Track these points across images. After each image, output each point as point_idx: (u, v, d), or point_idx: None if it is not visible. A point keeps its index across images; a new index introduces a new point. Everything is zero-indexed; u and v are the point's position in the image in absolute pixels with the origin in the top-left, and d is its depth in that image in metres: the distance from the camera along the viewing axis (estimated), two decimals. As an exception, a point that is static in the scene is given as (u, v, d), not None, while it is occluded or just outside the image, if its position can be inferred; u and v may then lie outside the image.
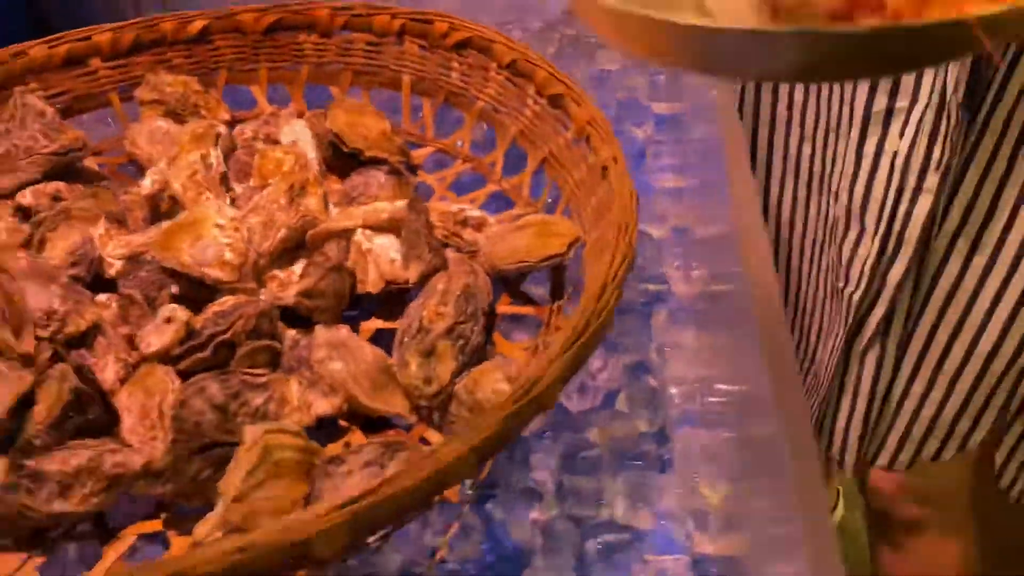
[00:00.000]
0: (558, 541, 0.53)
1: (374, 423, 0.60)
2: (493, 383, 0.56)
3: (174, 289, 0.63)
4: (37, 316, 0.58)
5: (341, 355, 0.59)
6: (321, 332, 0.60)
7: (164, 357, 0.59)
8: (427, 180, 0.82)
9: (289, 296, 0.62)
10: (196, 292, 0.64)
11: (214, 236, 0.64)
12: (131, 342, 0.61)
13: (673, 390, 0.61)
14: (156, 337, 0.59)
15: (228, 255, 0.63)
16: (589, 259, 0.61)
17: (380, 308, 0.69)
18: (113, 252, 0.67)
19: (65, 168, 0.78)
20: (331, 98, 0.92)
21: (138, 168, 0.82)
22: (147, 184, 0.74)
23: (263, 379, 0.56)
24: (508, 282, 0.69)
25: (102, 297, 0.64)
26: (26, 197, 0.75)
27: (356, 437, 0.60)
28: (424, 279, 0.65)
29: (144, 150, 0.81)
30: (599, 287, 0.51)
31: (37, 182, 0.76)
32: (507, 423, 0.46)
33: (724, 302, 0.68)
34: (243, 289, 0.63)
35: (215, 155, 0.73)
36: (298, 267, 0.68)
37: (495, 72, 0.81)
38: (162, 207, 0.74)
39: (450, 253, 0.67)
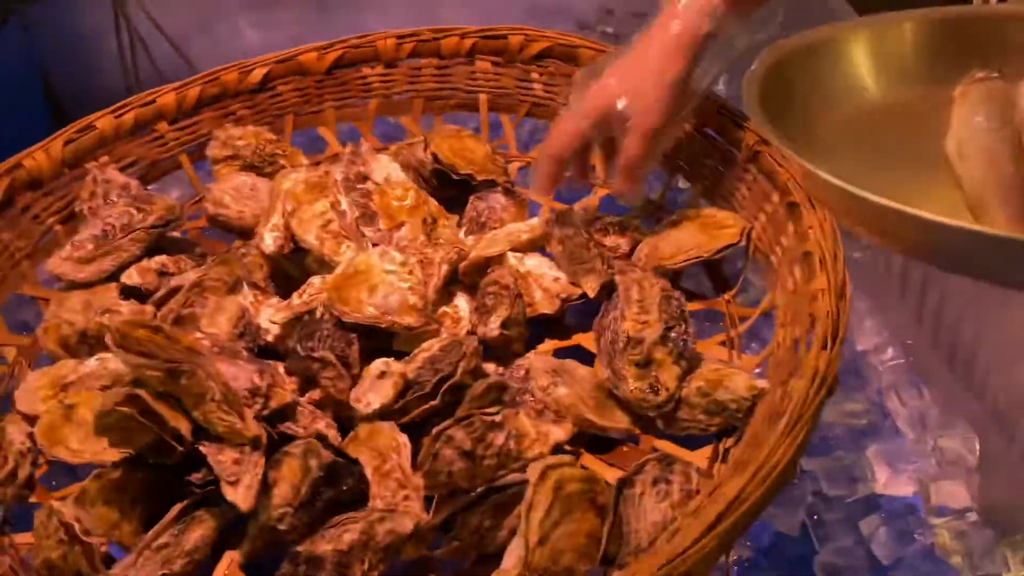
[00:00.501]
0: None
1: (599, 442, 0.59)
2: (741, 383, 0.55)
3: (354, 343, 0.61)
4: (243, 396, 0.55)
5: (564, 379, 0.58)
6: (536, 360, 0.59)
7: (384, 413, 0.56)
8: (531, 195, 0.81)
9: (493, 330, 0.60)
10: (371, 343, 0.62)
11: (391, 283, 0.62)
12: (335, 404, 0.58)
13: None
14: (375, 394, 0.56)
15: (412, 299, 0.61)
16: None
17: (545, 329, 0.68)
18: (274, 318, 0.63)
19: (159, 240, 0.74)
20: (398, 129, 0.90)
21: (226, 229, 0.78)
22: (268, 243, 0.70)
23: (498, 417, 0.55)
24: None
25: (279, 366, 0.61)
26: (132, 277, 0.71)
27: (588, 459, 0.58)
28: (604, 291, 0.64)
29: (233, 209, 0.77)
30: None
31: (139, 259, 0.72)
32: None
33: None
34: (428, 332, 0.61)
35: (346, 202, 0.70)
36: (462, 300, 0.66)
37: (581, 77, 0.81)
38: (283, 266, 0.71)
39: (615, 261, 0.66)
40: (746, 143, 0.67)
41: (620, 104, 0.63)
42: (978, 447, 0.57)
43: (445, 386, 0.55)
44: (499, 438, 0.54)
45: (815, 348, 0.51)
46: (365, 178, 0.78)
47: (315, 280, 0.66)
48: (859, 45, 0.49)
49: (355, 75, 0.85)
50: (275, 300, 0.67)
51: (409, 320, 0.60)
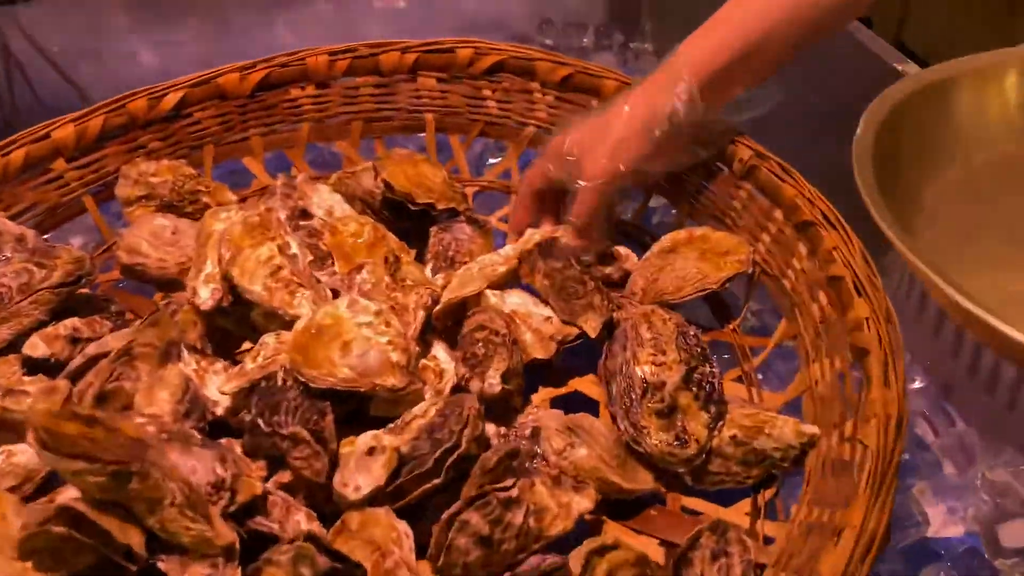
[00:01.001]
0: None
1: (621, 506, 0.52)
2: (789, 429, 0.49)
3: (327, 412, 0.51)
4: (206, 492, 0.45)
5: (581, 438, 0.50)
6: (547, 418, 0.51)
7: (376, 497, 0.47)
8: (498, 225, 0.73)
9: (495, 385, 0.52)
10: (340, 408, 0.52)
11: (367, 337, 0.52)
12: (309, 487, 0.49)
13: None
14: (364, 476, 0.47)
15: (394, 356, 0.52)
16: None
17: (537, 375, 0.60)
18: (224, 387, 0.53)
19: (68, 300, 0.62)
20: (333, 156, 0.81)
21: (144, 281, 0.67)
22: (204, 297, 0.59)
23: (514, 491, 0.47)
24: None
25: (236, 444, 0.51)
26: (37, 347, 0.59)
27: (612, 528, 0.51)
28: (606, 329, 0.57)
29: (152, 257, 0.66)
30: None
31: (44, 324, 0.60)
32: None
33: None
34: (413, 392, 0.53)
35: (296, 244, 0.60)
36: (441, 350, 0.58)
37: (541, 92, 0.74)
38: (220, 323, 0.61)
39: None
40: (739, 157, 0.62)
41: (570, 159, 0.62)
42: (1034, 478, 0.53)
43: (450, 460, 0.47)
44: (517, 517, 0.46)
45: (875, 385, 0.45)
46: (304, 213, 0.69)
47: (268, 339, 0.56)
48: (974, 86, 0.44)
49: (283, 97, 0.75)
50: (221, 365, 0.57)
51: (393, 381, 0.51)
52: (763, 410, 0.51)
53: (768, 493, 0.51)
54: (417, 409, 0.50)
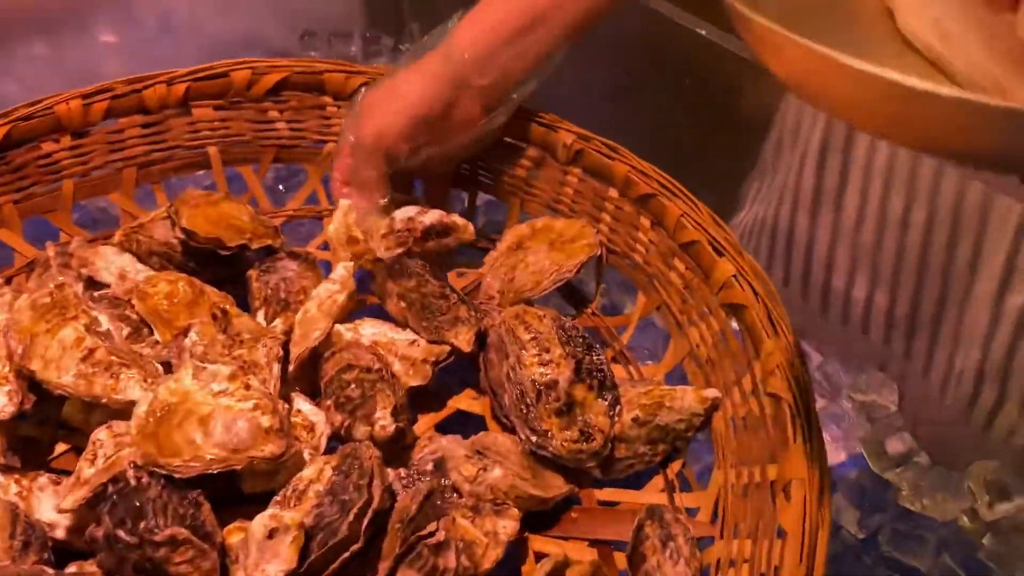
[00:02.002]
0: None
1: (537, 517, 0.49)
2: (690, 398, 0.49)
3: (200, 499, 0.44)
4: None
5: (491, 459, 0.47)
6: (450, 446, 0.47)
7: (290, 585, 0.41)
8: (318, 254, 0.67)
9: (388, 426, 0.47)
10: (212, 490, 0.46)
11: (228, 407, 0.46)
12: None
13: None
14: (273, 564, 0.41)
15: (266, 420, 0.46)
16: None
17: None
18: (63, 504, 0.44)
19: None
20: (104, 212, 0.71)
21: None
22: (1, 404, 0.50)
23: (441, 534, 0.43)
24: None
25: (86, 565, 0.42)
26: None
27: (537, 541, 0.48)
28: (477, 340, 0.54)
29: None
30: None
31: None
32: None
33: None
34: (293, 456, 0.47)
35: (104, 318, 0.51)
36: (302, 402, 0.52)
37: (335, 106, 0.69)
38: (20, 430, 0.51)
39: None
40: (562, 143, 0.61)
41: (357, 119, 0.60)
42: (896, 390, 0.57)
43: (367, 520, 0.42)
44: (451, 560, 0.43)
45: (767, 337, 0.46)
46: (91, 282, 0.59)
47: (101, 435, 0.47)
48: None
49: (34, 154, 0.64)
50: (45, 479, 0.47)
51: (272, 448, 0.45)
52: (656, 385, 0.51)
53: (676, 466, 0.51)
54: (308, 473, 0.45)
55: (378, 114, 0.59)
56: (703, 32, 0.66)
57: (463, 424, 0.56)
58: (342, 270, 0.58)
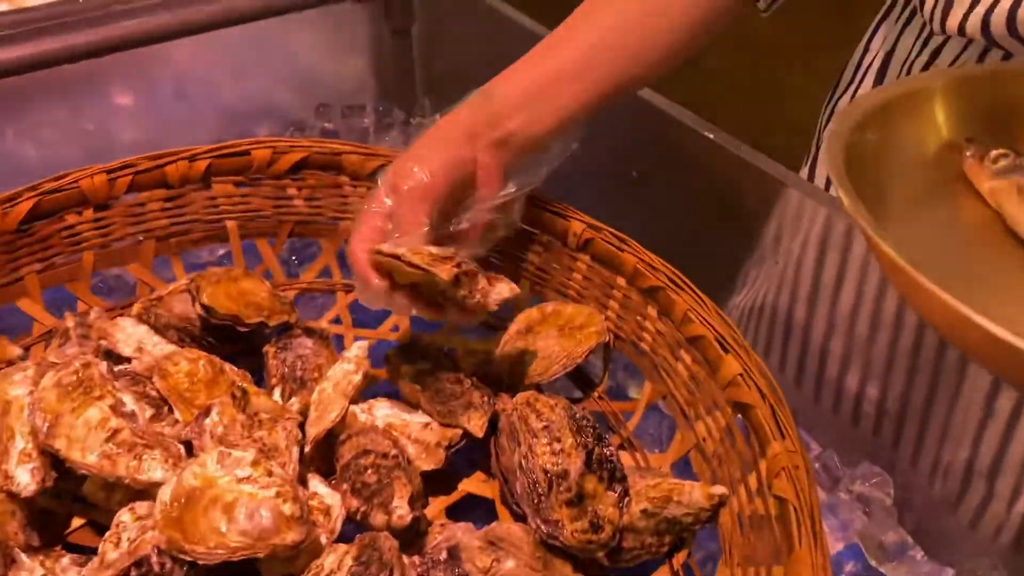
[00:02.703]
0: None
1: (547, 605, 0.51)
2: (698, 494, 0.51)
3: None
4: None
5: (504, 550, 0.49)
6: (464, 537, 0.49)
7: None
8: (331, 328, 0.69)
9: (405, 516, 0.49)
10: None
11: (251, 494, 0.47)
12: None
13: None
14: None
15: (288, 508, 0.47)
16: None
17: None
18: (87, 591, 0.45)
19: None
20: (119, 281, 0.73)
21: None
22: (25, 482, 0.51)
23: (456, 627, 0.44)
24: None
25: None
26: None
27: (546, 631, 0.50)
28: (489, 425, 0.56)
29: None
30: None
31: None
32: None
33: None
34: (312, 542, 0.48)
35: (128, 398, 0.53)
36: (318, 484, 0.53)
37: (352, 186, 0.71)
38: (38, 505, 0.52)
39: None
40: (572, 231, 0.64)
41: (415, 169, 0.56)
42: (892, 484, 0.59)
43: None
44: (465, 657, 0.44)
45: (772, 438, 0.48)
46: (109, 355, 0.61)
47: (124, 517, 0.49)
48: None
49: (58, 226, 0.66)
50: (68, 560, 0.48)
51: (293, 536, 0.46)
52: (665, 478, 0.53)
53: (681, 556, 0.53)
54: (329, 563, 0.46)
55: (424, 154, 0.57)
56: (710, 135, 0.69)
57: (473, 507, 0.57)
58: (357, 350, 0.60)
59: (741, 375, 0.52)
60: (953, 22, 0.57)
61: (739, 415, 0.52)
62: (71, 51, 0.81)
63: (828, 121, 0.77)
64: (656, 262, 0.60)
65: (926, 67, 0.64)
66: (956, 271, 0.34)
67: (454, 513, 0.57)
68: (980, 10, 0.55)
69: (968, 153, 0.47)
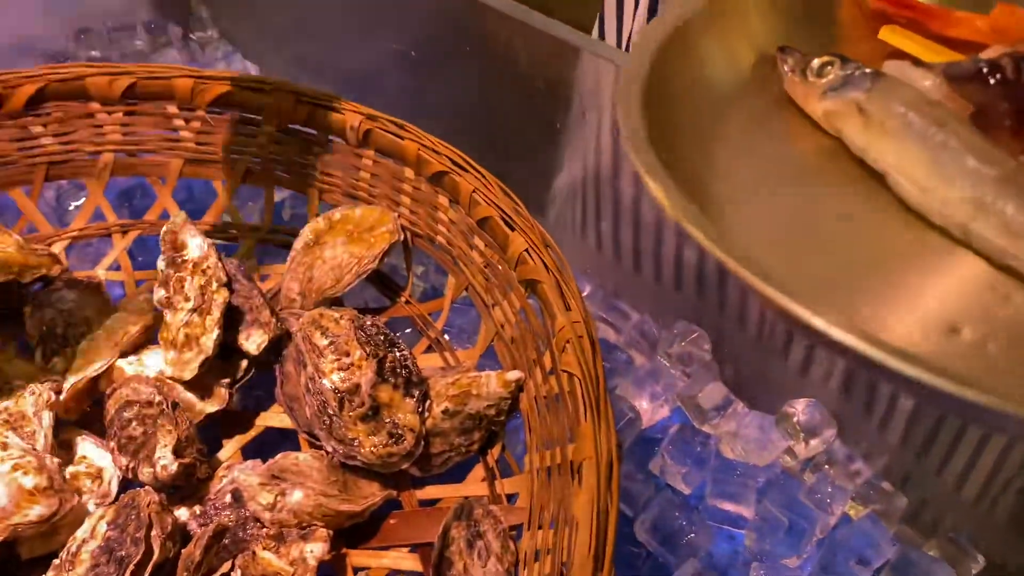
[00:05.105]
0: None
1: (357, 528, 0.47)
2: (494, 382, 0.47)
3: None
4: None
5: (291, 481, 0.44)
6: (242, 476, 0.44)
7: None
8: (109, 276, 0.62)
9: (169, 465, 0.44)
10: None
11: (-17, 474, 0.41)
12: None
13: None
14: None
15: (29, 480, 0.41)
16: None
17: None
18: None
19: None
20: None
21: None
22: None
23: (236, 573, 0.40)
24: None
25: None
26: None
27: (356, 556, 0.46)
28: (270, 350, 0.51)
29: None
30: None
31: None
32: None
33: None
34: (71, 513, 0.43)
35: None
36: (88, 445, 0.48)
37: (106, 112, 0.63)
38: None
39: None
40: (350, 124, 0.58)
41: None
42: (708, 339, 0.57)
43: (147, 574, 0.38)
44: (252, 598, 0.40)
45: (558, 312, 0.44)
46: None
47: None
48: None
49: None
50: None
51: (40, 510, 0.41)
52: (463, 373, 0.49)
53: (495, 452, 0.49)
54: (82, 531, 0.41)
55: None
56: (496, 6, 0.63)
57: (281, 440, 0.53)
58: (141, 301, 0.54)
59: (527, 250, 0.48)
60: None
61: (531, 294, 0.48)
62: None
63: None
64: (438, 144, 0.55)
65: None
66: (808, 243, 0.29)
67: (258, 452, 0.52)
68: None
69: (786, 68, 0.38)
